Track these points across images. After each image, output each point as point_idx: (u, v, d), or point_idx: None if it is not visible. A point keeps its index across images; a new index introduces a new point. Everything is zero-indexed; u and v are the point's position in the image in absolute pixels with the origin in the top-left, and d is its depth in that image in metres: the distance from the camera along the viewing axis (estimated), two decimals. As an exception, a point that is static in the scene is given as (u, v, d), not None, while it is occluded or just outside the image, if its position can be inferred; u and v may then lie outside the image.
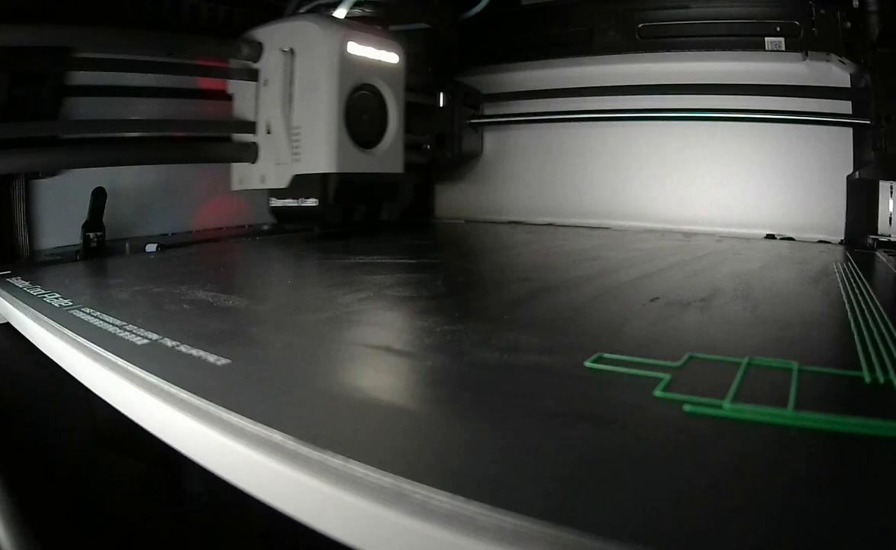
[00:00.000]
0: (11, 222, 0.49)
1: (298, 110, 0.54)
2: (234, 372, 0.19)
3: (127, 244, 0.51)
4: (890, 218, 0.56)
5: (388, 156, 0.59)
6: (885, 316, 0.26)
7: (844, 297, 0.30)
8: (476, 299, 0.33)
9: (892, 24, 0.52)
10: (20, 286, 0.36)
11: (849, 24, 0.56)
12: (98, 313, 0.27)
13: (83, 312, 0.28)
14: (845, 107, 0.60)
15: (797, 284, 0.35)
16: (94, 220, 0.48)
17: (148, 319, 0.26)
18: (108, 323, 0.26)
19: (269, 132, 0.55)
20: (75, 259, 0.47)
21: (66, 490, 0.30)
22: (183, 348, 0.22)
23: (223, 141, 0.59)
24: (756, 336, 0.23)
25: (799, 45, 0.60)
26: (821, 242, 0.60)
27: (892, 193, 0.56)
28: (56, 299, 0.31)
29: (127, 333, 0.24)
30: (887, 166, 0.53)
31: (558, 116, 0.73)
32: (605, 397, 0.17)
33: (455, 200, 0.85)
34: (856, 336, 0.23)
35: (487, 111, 0.79)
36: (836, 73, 0.60)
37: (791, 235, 0.62)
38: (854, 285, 0.34)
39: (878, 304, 0.28)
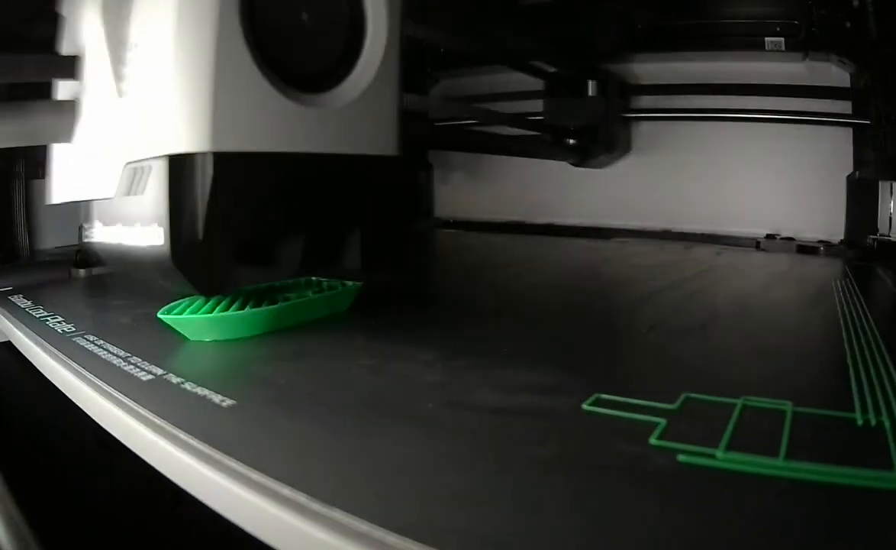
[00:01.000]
0: (11, 222, 0.49)
1: (139, 8, 0.23)
2: (239, 414, 0.19)
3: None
4: (890, 218, 0.56)
5: (362, 114, 0.25)
6: (882, 345, 0.26)
7: (842, 322, 0.30)
8: (473, 326, 0.32)
9: (892, 24, 0.52)
10: (22, 307, 0.35)
11: (849, 24, 0.56)
12: (101, 342, 0.27)
13: (86, 339, 0.28)
14: (845, 107, 0.60)
15: (795, 307, 0.35)
16: (94, 220, 0.48)
17: (152, 350, 0.26)
18: (113, 354, 0.25)
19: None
20: (75, 259, 0.47)
21: (66, 490, 0.30)
22: (188, 385, 0.21)
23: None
24: (752, 371, 0.23)
25: (799, 45, 0.60)
26: (821, 242, 0.60)
27: (892, 193, 0.56)
28: (59, 323, 0.31)
29: (131, 366, 0.24)
30: (887, 166, 0.53)
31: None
32: (602, 445, 0.17)
33: (453, 200, 0.85)
34: (851, 370, 0.23)
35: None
36: (836, 73, 0.60)
37: (791, 235, 0.62)
38: (852, 307, 0.33)
39: (876, 331, 0.28)
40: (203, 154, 0.21)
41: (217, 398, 0.20)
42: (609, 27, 0.66)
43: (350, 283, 0.32)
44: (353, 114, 0.25)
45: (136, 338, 0.28)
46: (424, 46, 0.77)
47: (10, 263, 0.48)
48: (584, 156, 0.67)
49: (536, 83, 0.70)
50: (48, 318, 0.32)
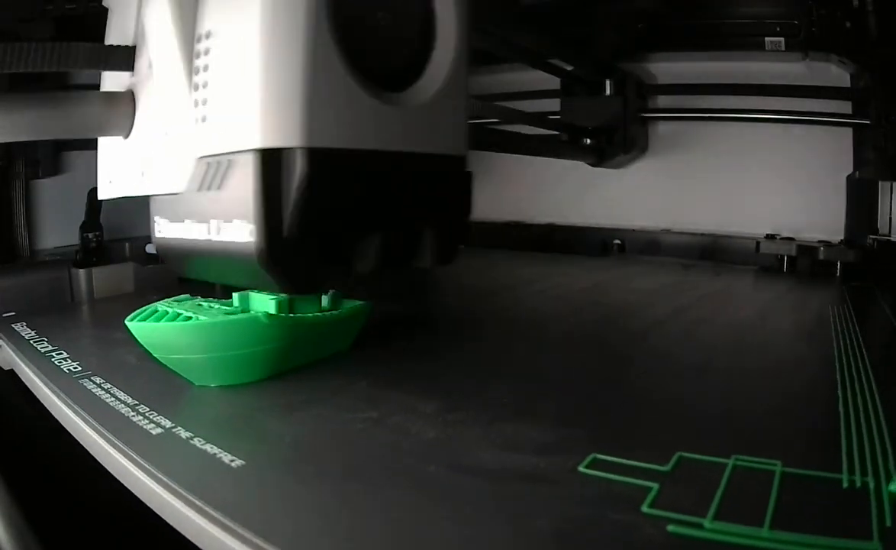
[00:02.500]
0: (11, 222, 0.49)
1: (212, 3, 0.23)
2: (249, 477, 0.19)
3: (127, 245, 0.51)
4: (890, 218, 0.56)
5: (435, 113, 0.26)
6: (875, 390, 0.26)
7: (836, 363, 0.30)
8: (471, 365, 0.32)
9: (892, 24, 0.52)
10: (26, 338, 0.35)
11: (849, 24, 0.56)
12: (108, 386, 0.27)
13: (93, 381, 0.28)
14: (845, 107, 0.60)
15: (791, 344, 0.35)
16: (92, 220, 0.48)
17: (159, 397, 0.26)
18: (120, 400, 0.25)
19: (150, 66, 0.25)
20: (75, 259, 0.47)
21: (66, 490, 0.30)
22: (197, 441, 0.21)
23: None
24: (746, 422, 0.24)
25: (799, 45, 0.60)
26: (821, 242, 0.59)
27: (892, 193, 0.56)
28: (64, 359, 0.31)
29: (140, 417, 0.24)
30: (887, 166, 0.53)
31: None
32: (596, 515, 0.17)
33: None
34: (842, 419, 0.23)
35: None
36: (836, 73, 0.60)
37: (791, 235, 0.62)
38: (848, 343, 0.34)
39: (870, 373, 0.28)
40: (295, 149, 0.21)
41: (227, 458, 0.20)
42: (608, 27, 0.66)
43: (359, 303, 0.32)
44: (429, 113, 0.25)
45: (143, 381, 0.28)
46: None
47: (11, 262, 0.48)
48: (601, 156, 0.66)
49: (550, 83, 0.70)
50: (53, 354, 0.32)
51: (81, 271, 0.47)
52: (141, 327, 0.26)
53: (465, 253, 0.83)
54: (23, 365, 0.31)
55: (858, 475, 0.19)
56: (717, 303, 0.45)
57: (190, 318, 0.26)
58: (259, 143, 0.21)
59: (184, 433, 0.22)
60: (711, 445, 0.21)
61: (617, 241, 0.72)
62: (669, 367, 0.31)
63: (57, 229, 0.51)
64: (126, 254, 0.50)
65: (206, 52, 0.22)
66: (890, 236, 0.55)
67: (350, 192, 0.23)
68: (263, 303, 0.27)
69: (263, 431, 0.23)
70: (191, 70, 0.23)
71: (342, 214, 0.24)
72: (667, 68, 0.68)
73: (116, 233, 0.52)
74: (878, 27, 0.53)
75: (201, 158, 0.23)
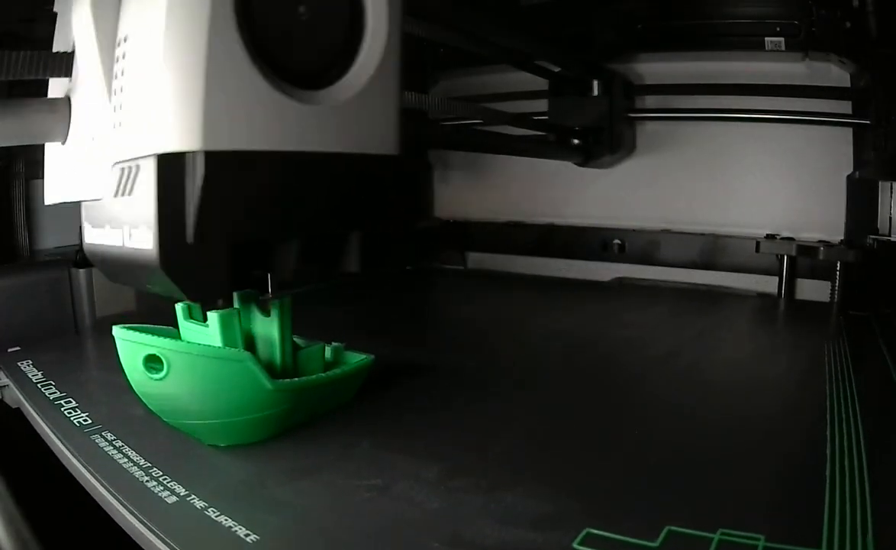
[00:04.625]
0: (11, 222, 0.49)
1: (128, 6, 0.22)
2: None
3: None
4: (890, 218, 0.56)
5: (361, 111, 0.24)
6: (863, 449, 0.26)
7: (828, 416, 0.30)
8: (470, 418, 0.32)
9: (892, 24, 0.52)
10: (33, 381, 0.35)
11: (849, 24, 0.56)
12: (120, 443, 0.27)
13: (104, 438, 0.28)
14: (845, 107, 0.60)
15: (783, 394, 0.35)
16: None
17: (172, 460, 0.26)
18: (133, 461, 0.26)
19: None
20: (75, 259, 0.47)
21: (66, 490, 0.30)
22: (212, 511, 0.22)
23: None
24: (733, 489, 0.24)
25: (799, 45, 0.60)
26: (821, 242, 0.60)
27: (892, 193, 0.56)
28: (73, 410, 0.31)
29: (154, 482, 0.24)
30: (887, 166, 0.53)
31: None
32: None
33: (453, 200, 0.85)
34: (827, 484, 0.23)
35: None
36: (836, 73, 0.60)
37: (791, 235, 0.62)
38: (840, 391, 0.34)
39: (860, 429, 0.28)
40: (194, 153, 0.20)
41: (242, 532, 0.21)
42: (608, 27, 0.66)
43: (362, 358, 0.32)
44: (352, 111, 0.24)
45: (153, 438, 0.28)
46: (424, 45, 0.77)
47: (10, 262, 0.48)
48: (588, 156, 0.67)
49: (537, 83, 0.70)
50: (62, 401, 0.32)
51: (81, 271, 0.47)
52: (153, 396, 0.26)
53: (461, 271, 0.82)
54: (34, 413, 0.31)
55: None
56: (711, 342, 0.45)
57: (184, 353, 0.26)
58: (160, 147, 0.20)
59: (198, 503, 0.22)
60: (699, 515, 0.21)
61: (617, 241, 0.72)
62: (660, 422, 0.31)
63: (57, 229, 0.51)
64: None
65: (123, 56, 0.22)
66: (890, 236, 0.55)
67: (260, 195, 0.22)
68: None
69: (275, 501, 0.23)
70: (111, 75, 0.23)
71: (253, 218, 0.23)
72: (666, 68, 0.68)
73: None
74: (878, 27, 0.53)
75: (116, 163, 0.22)
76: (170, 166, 0.20)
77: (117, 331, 0.26)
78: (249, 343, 0.28)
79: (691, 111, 0.67)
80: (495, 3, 0.67)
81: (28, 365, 0.38)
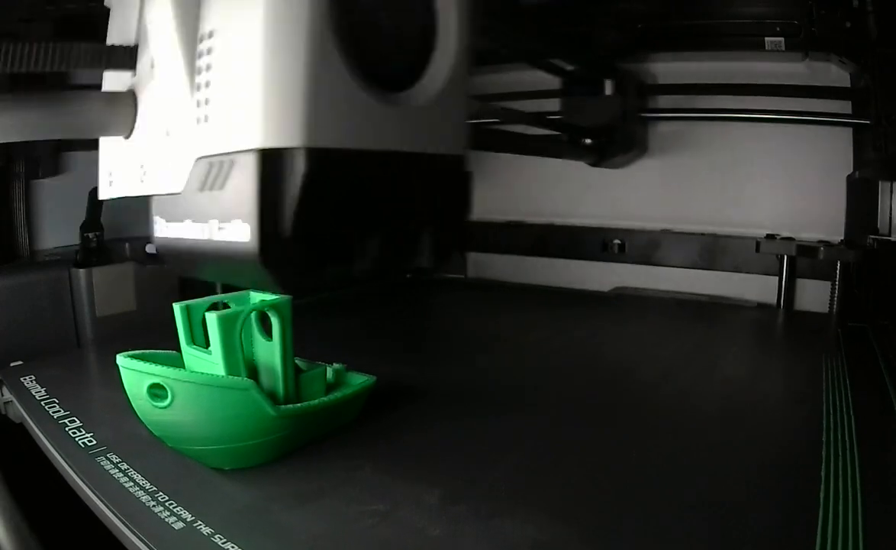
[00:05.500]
0: (11, 222, 0.49)
1: (215, 2, 0.23)
2: None
3: (127, 245, 0.51)
4: (890, 218, 0.56)
5: (436, 114, 0.25)
6: (857, 472, 0.26)
7: (824, 437, 0.30)
8: (469, 443, 0.31)
9: (892, 24, 0.52)
10: (36, 397, 0.35)
11: (849, 24, 0.56)
12: (125, 466, 0.27)
13: (109, 460, 0.28)
14: (845, 107, 0.60)
15: (779, 416, 0.35)
16: (92, 220, 0.48)
17: (178, 484, 0.26)
18: (139, 485, 0.26)
19: (152, 65, 0.25)
20: (75, 259, 0.47)
21: (66, 490, 0.30)
22: (218, 538, 0.22)
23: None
24: (727, 520, 0.24)
25: (799, 45, 0.60)
26: (821, 242, 0.60)
27: (892, 193, 0.56)
28: (77, 430, 0.31)
29: (160, 507, 0.24)
30: (887, 166, 0.53)
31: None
32: None
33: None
34: (820, 511, 0.24)
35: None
36: (836, 73, 0.60)
37: (791, 235, 0.62)
38: (838, 411, 0.34)
39: (856, 452, 0.29)
40: (295, 149, 0.21)
41: None
42: (608, 27, 0.66)
43: (363, 379, 0.32)
44: (429, 113, 0.25)
45: (158, 461, 0.28)
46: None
47: (10, 262, 0.48)
48: (601, 156, 0.66)
49: (536, 83, 0.70)
50: (66, 420, 0.32)
51: (81, 271, 0.47)
52: (158, 423, 0.26)
53: (461, 281, 0.82)
54: (39, 432, 0.31)
55: None
56: (708, 361, 0.45)
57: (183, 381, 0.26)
58: (261, 142, 0.21)
59: (205, 529, 0.23)
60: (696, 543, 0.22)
61: (617, 241, 0.72)
62: (656, 446, 0.31)
63: (57, 229, 0.51)
64: (126, 254, 0.50)
65: (209, 51, 0.22)
66: (890, 236, 0.55)
67: (349, 192, 0.23)
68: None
69: (281, 527, 0.23)
70: (193, 70, 0.23)
71: (341, 214, 0.23)
72: (666, 68, 0.68)
73: (116, 233, 0.52)
74: (878, 27, 0.53)
75: (202, 157, 0.23)
76: (270, 162, 0.21)
77: (121, 360, 0.26)
78: (251, 367, 0.28)
79: (691, 111, 0.67)
80: (495, 2, 0.67)
81: (31, 381, 0.38)
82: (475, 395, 0.38)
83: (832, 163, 0.61)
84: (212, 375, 0.26)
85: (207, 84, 0.22)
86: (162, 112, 0.25)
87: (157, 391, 0.25)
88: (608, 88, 0.65)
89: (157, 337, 0.32)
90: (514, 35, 0.54)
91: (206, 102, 0.22)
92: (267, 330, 0.28)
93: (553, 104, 0.69)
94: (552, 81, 0.68)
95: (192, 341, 0.28)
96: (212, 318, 0.26)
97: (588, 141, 0.65)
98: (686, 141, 0.69)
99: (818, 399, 0.36)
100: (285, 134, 0.21)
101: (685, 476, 0.28)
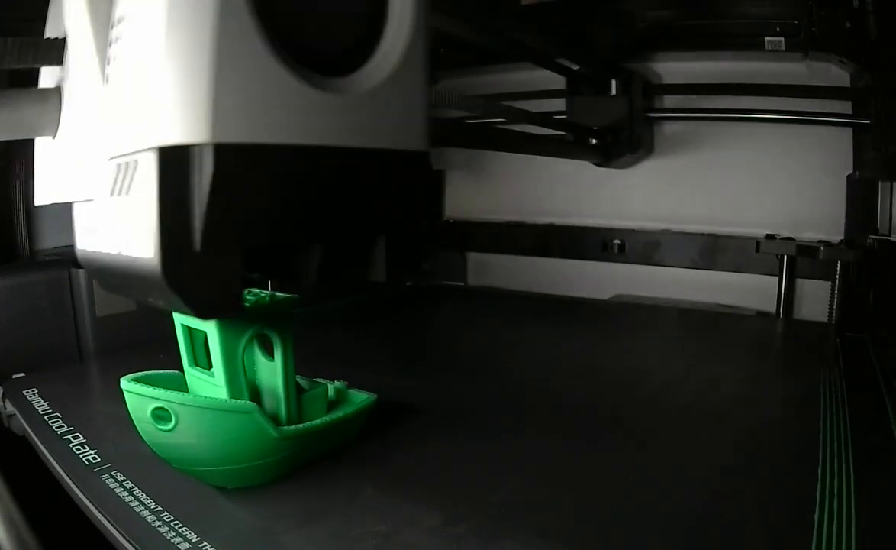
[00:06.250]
0: (11, 222, 0.49)
1: None
2: None
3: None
4: (890, 218, 0.56)
5: (386, 102, 0.22)
6: (853, 491, 0.26)
7: (820, 455, 0.30)
8: (468, 462, 0.31)
9: (892, 24, 0.52)
10: (39, 412, 0.35)
11: (849, 24, 0.56)
12: (130, 485, 0.27)
13: (114, 478, 0.28)
14: (845, 107, 0.60)
15: (776, 430, 0.35)
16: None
17: (183, 503, 0.26)
18: (143, 504, 0.26)
19: (71, 59, 0.24)
20: (75, 259, 0.47)
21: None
22: None
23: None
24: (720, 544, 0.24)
25: (799, 45, 0.60)
26: (821, 242, 0.60)
27: (892, 193, 0.56)
28: (81, 446, 0.31)
29: (166, 527, 0.24)
30: (887, 166, 0.53)
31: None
32: None
33: (453, 199, 0.85)
34: (815, 534, 0.23)
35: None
36: (836, 73, 0.60)
37: (791, 235, 0.62)
38: (835, 428, 0.34)
39: (852, 473, 0.28)
40: (201, 146, 0.18)
41: None
42: (609, 27, 0.66)
43: (364, 397, 0.32)
44: (377, 102, 0.21)
45: (163, 479, 0.28)
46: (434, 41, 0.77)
47: (10, 262, 0.48)
48: (607, 156, 0.66)
49: (535, 83, 0.70)
50: (69, 437, 0.32)
51: (81, 271, 0.46)
52: (162, 445, 0.26)
53: (461, 289, 0.81)
54: (43, 448, 0.31)
55: None
56: (706, 375, 0.45)
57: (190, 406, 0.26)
58: (161, 139, 0.17)
59: None
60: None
61: (617, 241, 0.72)
62: (654, 465, 0.31)
63: (57, 229, 0.51)
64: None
65: (118, 38, 0.19)
66: (890, 235, 0.55)
67: (277, 195, 0.20)
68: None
69: (284, 549, 0.23)
70: (102, 61, 0.20)
71: (268, 221, 0.20)
72: (666, 68, 0.69)
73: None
74: (878, 27, 0.53)
75: (111, 158, 0.20)
76: (173, 161, 0.18)
77: (125, 383, 0.26)
78: (253, 388, 0.28)
79: (691, 111, 0.67)
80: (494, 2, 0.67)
81: (34, 394, 0.37)
82: (474, 410, 0.38)
83: (832, 163, 0.61)
84: (215, 399, 0.26)
85: (117, 75, 0.19)
86: (79, 109, 0.22)
87: (161, 413, 0.25)
88: (614, 88, 0.65)
89: (157, 338, 0.32)
90: (521, 35, 0.54)
91: (116, 94, 0.19)
92: (268, 349, 0.28)
93: (560, 104, 0.69)
94: (559, 81, 0.68)
95: (195, 361, 0.28)
96: (214, 342, 0.26)
97: (594, 141, 0.65)
98: (686, 141, 0.69)
99: (815, 416, 0.36)
100: (189, 127, 0.17)
101: (684, 499, 0.28)
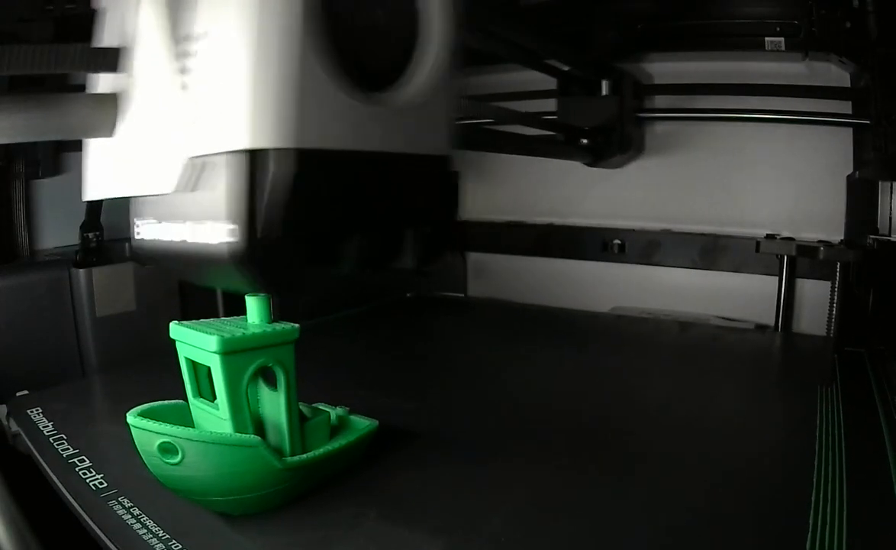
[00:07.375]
0: (11, 222, 0.49)
1: (201, 3, 0.23)
2: None
3: (127, 245, 0.51)
4: (890, 218, 0.56)
5: (420, 114, 0.26)
6: (845, 519, 0.26)
7: (815, 476, 0.30)
8: (466, 481, 0.32)
9: (892, 24, 0.52)
10: (45, 432, 0.35)
11: (849, 24, 0.56)
12: (138, 512, 0.27)
13: (121, 504, 0.28)
14: (845, 107, 0.60)
15: (771, 452, 0.35)
16: (92, 220, 0.48)
17: (190, 532, 0.26)
18: (152, 532, 0.26)
19: (140, 66, 0.26)
20: (75, 259, 0.47)
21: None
22: None
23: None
24: None
25: (799, 45, 0.60)
26: (821, 242, 0.60)
27: (892, 193, 0.56)
28: (87, 470, 0.31)
29: None
30: (887, 166, 0.53)
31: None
32: None
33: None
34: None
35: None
36: (836, 73, 0.60)
37: (791, 235, 0.62)
38: (830, 447, 0.34)
39: (845, 497, 0.29)
40: (282, 150, 0.21)
41: None
42: (607, 27, 0.66)
43: (365, 424, 0.33)
44: (412, 113, 0.25)
45: (170, 506, 0.28)
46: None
47: (10, 262, 0.48)
48: (598, 156, 0.66)
49: (529, 84, 0.70)
50: (75, 460, 0.32)
51: (81, 271, 0.47)
52: (169, 477, 0.27)
53: (461, 300, 0.81)
54: (49, 472, 0.31)
55: None
56: (704, 394, 0.45)
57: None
58: (246, 143, 0.21)
59: None
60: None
61: (617, 241, 0.72)
62: (652, 486, 0.31)
63: (57, 229, 0.51)
64: (126, 254, 0.50)
65: (195, 53, 0.22)
66: (890, 236, 0.55)
67: (331, 193, 0.24)
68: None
69: None
70: (178, 71, 0.23)
71: (322, 215, 0.24)
72: (666, 68, 0.68)
73: (116, 233, 0.52)
74: (878, 27, 0.53)
75: (189, 158, 0.23)
76: (257, 162, 0.21)
77: (132, 419, 0.26)
78: (257, 420, 0.29)
79: (691, 111, 0.67)
80: (494, 1, 0.67)
81: (38, 414, 0.37)
82: (475, 432, 0.38)
83: (832, 163, 0.61)
84: (220, 433, 0.27)
85: (193, 85, 0.23)
86: (147, 113, 0.25)
87: (167, 446, 0.26)
88: (605, 88, 0.65)
89: (156, 338, 0.32)
90: (513, 35, 0.54)
91: (192, 103, 0.23)
92: (271, 379, 0.29)
93: (551, 105, 0.69)
94: (550, 82, 0.68)
95: (199, 393, 0.28)
96: (218, 377, 0.26)
97: (584, 141, 0.65)
98: (686, 141, 0.69)
99: (811, 437, 0.36)
100: (271, 135, 0.21)
101: (683, 523, 0.28)
